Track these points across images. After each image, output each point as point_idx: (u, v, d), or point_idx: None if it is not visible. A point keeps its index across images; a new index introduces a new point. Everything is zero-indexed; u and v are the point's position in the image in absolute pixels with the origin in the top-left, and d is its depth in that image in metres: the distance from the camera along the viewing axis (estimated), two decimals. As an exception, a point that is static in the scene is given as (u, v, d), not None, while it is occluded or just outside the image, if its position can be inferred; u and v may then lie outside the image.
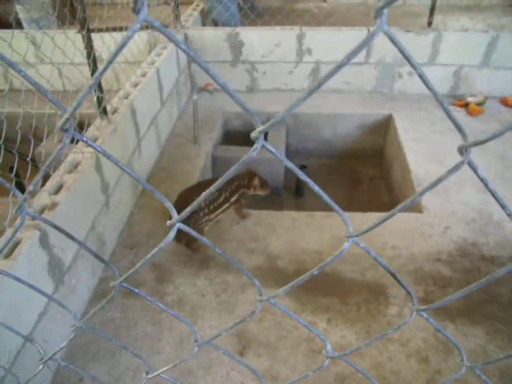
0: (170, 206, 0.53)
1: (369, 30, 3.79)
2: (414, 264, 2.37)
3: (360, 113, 3.91)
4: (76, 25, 2.30)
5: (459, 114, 3.74)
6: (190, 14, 4.48)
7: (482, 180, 0.44)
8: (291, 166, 0.46)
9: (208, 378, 1.86)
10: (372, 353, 1.95)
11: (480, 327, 2.05)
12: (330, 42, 3.87)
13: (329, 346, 0.60)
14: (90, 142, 0.47)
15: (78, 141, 2.26)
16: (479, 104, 3.78)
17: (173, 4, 3.86)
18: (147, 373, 0.75)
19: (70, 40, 2.25)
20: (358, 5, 5.85)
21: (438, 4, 3.91)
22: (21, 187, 2.84)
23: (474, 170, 0.43)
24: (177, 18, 3.93)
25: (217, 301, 2.19)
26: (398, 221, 2.67)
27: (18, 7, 4.48)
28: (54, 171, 2.09)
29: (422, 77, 0.39)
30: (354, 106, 3.97)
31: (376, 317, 2.10)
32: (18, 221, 0.51)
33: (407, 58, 0.37)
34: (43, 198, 1.92)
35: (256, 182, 2.55)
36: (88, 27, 2.28)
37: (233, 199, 2.50)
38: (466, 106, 3.81)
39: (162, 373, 0.74)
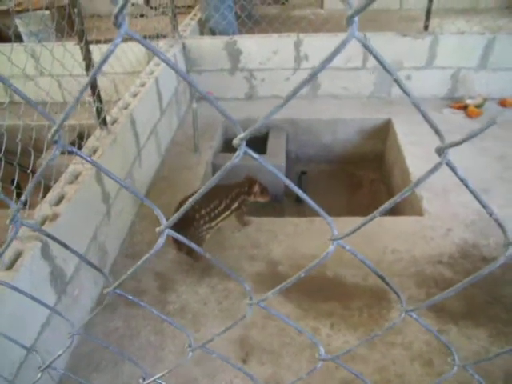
0: (158, 212, 0.54)
1: (365, 35, 3.82)
2: (416, 267, 2.36)
3: (359, 118, 3.92)
4: (74, 37, 2.32)
5: (458, 117, 3.75)
6: (187, 24, 4.51)
7: (461, 180, 0.45)
8: (274, 170, 0.47)
9: (212, 385, 1.86)
10: (376, 357, 1.94)
11: (483, 329, 2.04)
12: (327, 48, 3.77)
13: (321, 349, 0.61)
14: (79, 153, 0.48)
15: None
16: (478, 106, 3.79)
17: (170, 14, 3.90)
18: (144, 379, 0.75)
19: (69, 52, 2.27)
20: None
21: (435, 8, 3.93)
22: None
23: (453, 170, 0.44)
24: (174, 27, 3.97)
25: (219, 308, 2.20)
26: (398, 224, 2.67)
27: (17, 21, 4.53)
28: (54, 182, 2.11)
29: (397, 82, 0.40)
30: (352, 111, 3.99)
31: (379, 321, 2.10)
32: (12, 231, 0.52)
33: (381, 63, 0.38)
34: (44, 209, 1.93)
35: (256, 188, 2.56)
36: (86, 39, 2.30)
37: (233, 206, 2.51)
38: (464, 108, 3.82)
39: (157, 378, 0.74)
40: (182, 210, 0.53)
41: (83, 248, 2.13)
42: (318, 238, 2.58)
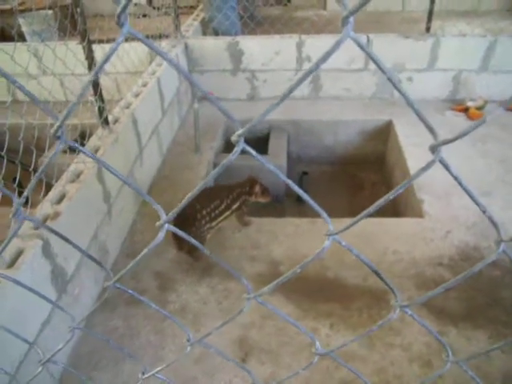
0: (158, 207, 0.54)
1: (368, 37, 3.83)
2: (416, 269, 2.37)
3: (361, 119, 3.93)
4: (77, 36, 2.34)
5: (459, 119, 3.76)
6: (190, 24, 4.53)
7: (455, 178, 0.45)
8: (273, 168, 0.48)
9: (211, 385, 1.87)
10: (374, 358, 1.95)
11: (483, 331, 2.05)
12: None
13: (317, 344, 0.62)
14: (81, 149, 0.49)
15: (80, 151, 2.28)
16: (479, 108, 3.79)
17: (173, 14, 3.91)
18: (143, 373, 0.76)
19: (71, 51, 2.28)
20: (357, 12, 5.88)
21: (436, 10, 3.93)
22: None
23: (446, 167, 0.45)
24: (177, 27, 3.98)
25: (219, 308, 2.20)
26: (399, 226, 2.68)
27: (20, 20, 4.55)
28: (56, 181, 2.12)
29: (391, 80, 0.40)
30: (354, 112, 3.99)
31: (378, 322, 2.10)
32: (15, 225, 0.53)
33: (376, 62, 0.39)
34: (46, 207, 1.94)
35: (257, 189, 2.56)
36: (89, 38, 2.32)
37: (234, 206, 2.52)
38: (465, 110, 3.82)
39: (156, 372, 0.75)
40: (182, 205, 0.54)
41: (84, 247, 2.13)
42: (319, 238, 2.59)
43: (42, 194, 2.01)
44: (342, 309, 2.18)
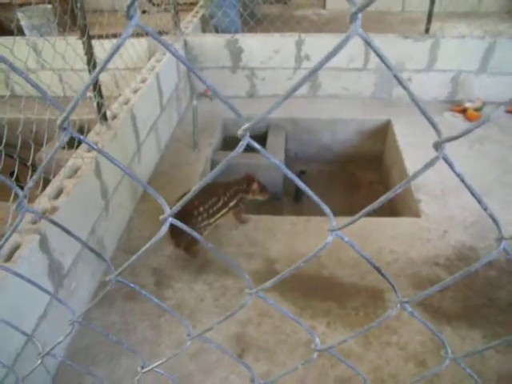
0: (162, 201, 0.55)
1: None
2: (412, 268, 2.38)
3: (359, 118, 3.93)
4: (76, 31, 2.33)
5: (458, 120, 3.77)
6: (189, 21, 4.52)
7: (458, 175, 0.46)
8: (277, 162, 0.48)
9: (207, 382, 1.87)
10: (370, 356, 1.96)
11: (478, 330, 2.06)
12: (328, 49, 3.85)
13: (317, 340, 0.62)
14: (86, 141, 0.49)
15: (78, 146, 2.28)
16: (477, 109, 3.80)
17: (172, 11, 3.90)
18: (142, 367, 0.76)
19: (71, 46, 2.28)
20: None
21: (436, 11, 3.94)
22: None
23: (450, 165, 0.45)
24: (176, 24, 3.97)
25: (215, 305, 2.20)
26: (396, 225, 2.69)
27: (19, 14, 4.53)
28: (54, 176, 2.11)
29: (397, 77, 0.41)
30: (353, 111, 4.00)
31: (374, 320, 2.11)
32: (18, 217, 0.53)
33: (382, 58, 0.39)
34: (43, 202, 1.94)
35: (255, 186, 2.56)
36: (88, 34, 2.31)
37: (231, 204, 2.52)
38: (464, 111, 3.83)
39: (155, 367, 0.76)
40: (186, 198, 0.54)
41: (81, 242, 2.13)
42: (315, 236, 2.59)
43: (39, 188, 2.00)
44: (338, 307, 2.18)
